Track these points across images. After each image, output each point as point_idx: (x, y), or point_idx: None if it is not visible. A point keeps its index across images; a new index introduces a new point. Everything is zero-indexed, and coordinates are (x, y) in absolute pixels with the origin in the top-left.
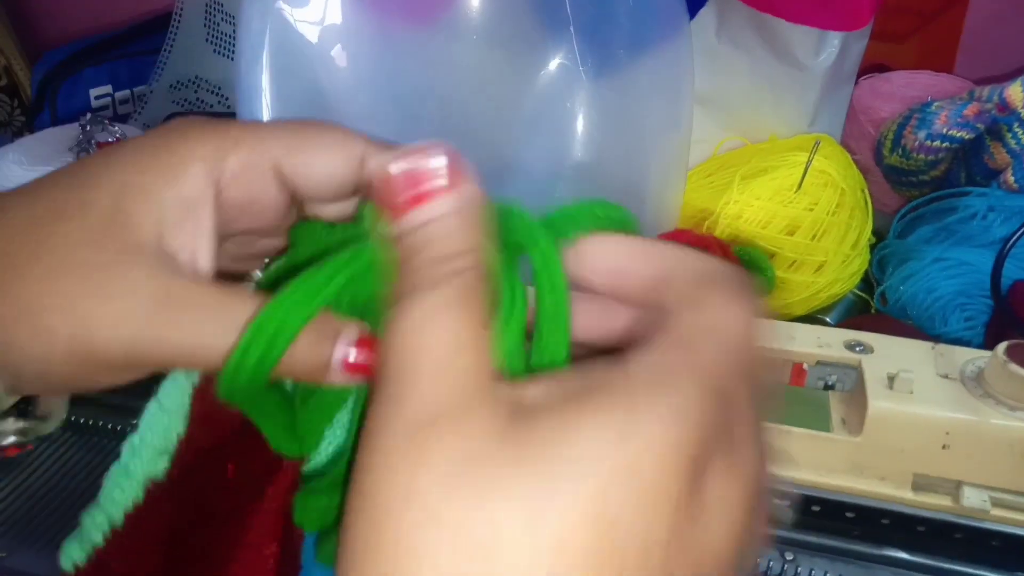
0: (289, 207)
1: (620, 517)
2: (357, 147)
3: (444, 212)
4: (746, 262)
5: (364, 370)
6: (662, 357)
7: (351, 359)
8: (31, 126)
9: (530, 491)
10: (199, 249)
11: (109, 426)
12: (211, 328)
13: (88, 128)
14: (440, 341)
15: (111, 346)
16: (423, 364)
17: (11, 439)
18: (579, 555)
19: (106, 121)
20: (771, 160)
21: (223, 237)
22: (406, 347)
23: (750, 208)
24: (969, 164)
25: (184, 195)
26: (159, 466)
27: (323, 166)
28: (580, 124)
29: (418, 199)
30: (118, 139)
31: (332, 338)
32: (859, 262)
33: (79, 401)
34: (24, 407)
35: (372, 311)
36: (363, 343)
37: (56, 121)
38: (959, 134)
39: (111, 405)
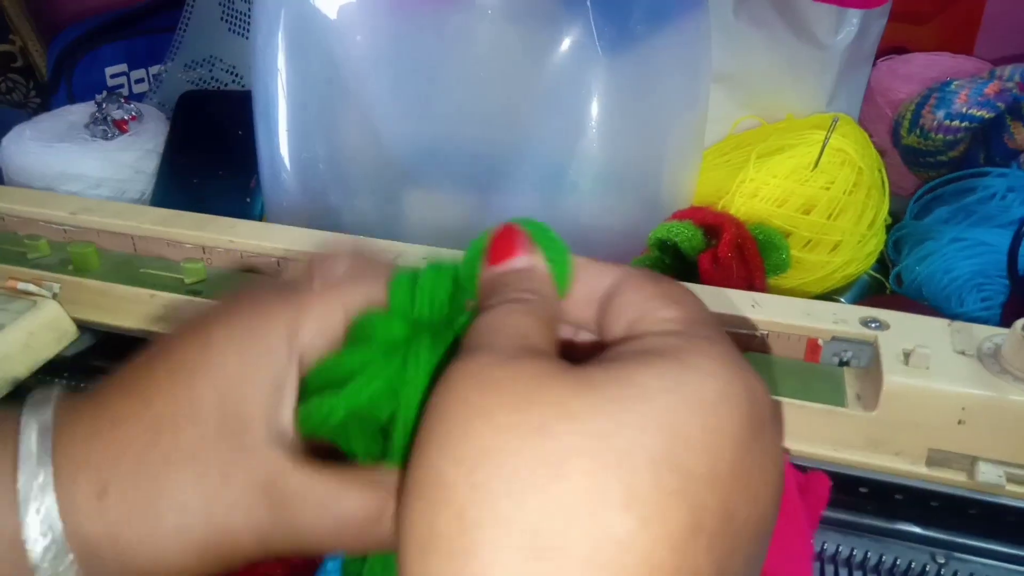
0: None
1: (688, 442)
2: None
3: (524, 266)
4: (762, 241)
5: None
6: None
7: None
8: (47, 106)
9: (595, 412)
10: (286, 419)
11: None
12: (325, 523)
13: (104, 106)
14: (513, 324)
15: (244, 539)
16: (498, 332)
17: None
18: (645, 472)
19: (122, 99)
20: (788, 138)
21: None
22: (487, 325)
23: (766, 186)
24: (988, 144)
25: (276, 376)
26: None
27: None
28: (596, 101)
29: (508, 253)
30: (133, 117)
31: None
32: (875, 242)
33: None
34: None
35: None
36: None
37: (72, 99)
38: (979, 113)
39: None
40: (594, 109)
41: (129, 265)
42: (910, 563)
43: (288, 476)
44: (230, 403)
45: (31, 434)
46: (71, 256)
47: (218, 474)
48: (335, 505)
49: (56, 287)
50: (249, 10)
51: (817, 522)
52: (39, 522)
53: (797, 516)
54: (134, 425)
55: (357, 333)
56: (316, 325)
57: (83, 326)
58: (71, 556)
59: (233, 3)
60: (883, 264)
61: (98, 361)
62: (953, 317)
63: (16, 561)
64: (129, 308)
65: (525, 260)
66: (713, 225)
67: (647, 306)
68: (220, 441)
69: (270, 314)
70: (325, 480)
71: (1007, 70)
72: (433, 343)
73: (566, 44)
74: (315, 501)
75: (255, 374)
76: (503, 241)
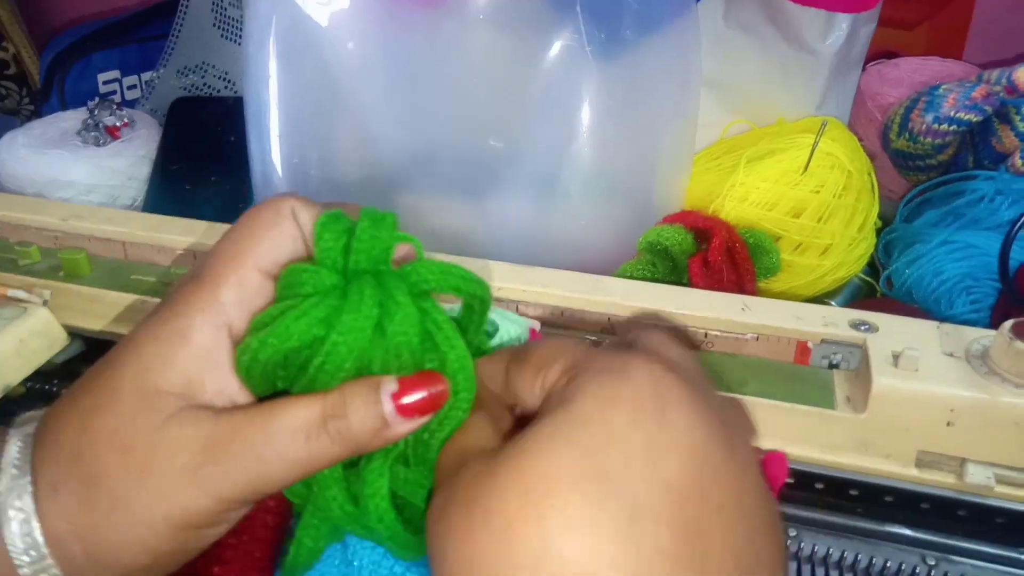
0: None
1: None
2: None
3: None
4: (752, 244)
5: (420, 409)
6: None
7: (405, 402)
8: (39, 113)
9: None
10: (230, 387)
11: None
12: (268, 451)
13: (96, 112)
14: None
15: (201, 503)
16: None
17: None
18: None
19: (114, 105)
20: (778, 143)
21: None
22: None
23: (756, 190)
24: (977, 148)
25: (201, 350)
26: None
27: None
28: (587, 106)
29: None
30: (126, 123)
31: (376, 395)
32: (865, 245)
33: None
34: None
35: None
36: (406, 385)
37: (64, 106)
38: (967, 117)
39: None
40: (585, 115)
41: (120, 271)
42: (900, 565)
43: (217, 424)
44: (147, 385)
45: (13, 447)
46: (62, 262)
47: (143, 448)
48: (268, 426)
49: (47, 294)
50: (241, 16)
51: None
52: (18, 527)
53: None
54: (66, 422)
55: (283, 290)
56: (234, 293)
57: (74, 332)
58: (49, 560)
59: (225, 10)
60: (873, 267)
61: (88, 368)
62: (943, 319)
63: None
64: (120, 314)
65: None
66: (703, 229)
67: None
68: (138, 419)
69: (183, 298)
70: (252, 415)
71: (994, 74)
72: (377, 283)
73: (556, 50)
74: (250, 437)
75: (173, 355)
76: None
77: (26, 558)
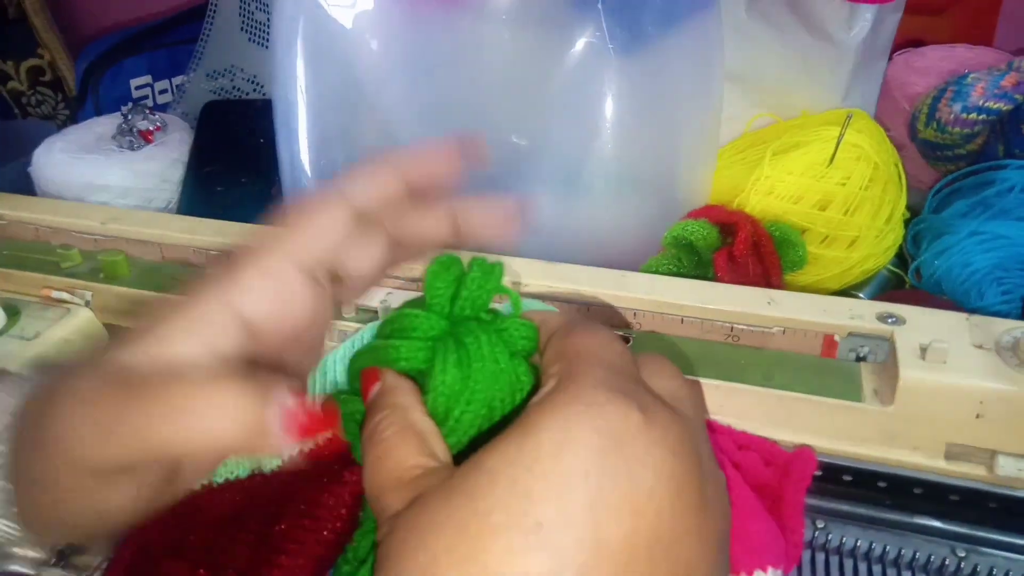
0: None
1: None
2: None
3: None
4: (778, 238)
5: (303, 431)
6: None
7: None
8: (75, 118)
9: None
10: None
11: None
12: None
13: (130, 117)
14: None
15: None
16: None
17: None
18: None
19: (147, 110)
20: (803, 135)
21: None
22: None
23: (782, 183)
24: (1007, 137)
25: (212, 336)
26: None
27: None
28: (609, 102)
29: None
30: (158, 127)
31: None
32: (893, 237)
33: None
34: (66, 554)
35: None
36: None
37: (99, 111)
38: (996, 106)
39: None
40: (608, 110)
41: (157, 272)
42: (930, 556)
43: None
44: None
45: None
46: (102, 264)
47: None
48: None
49: (88, 295)
50: (268, 20)
51: (802, 499)
52: None
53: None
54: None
55: (392, 332)
56: (259, 282)
57: (114, 333)
58: None
59: (252, 14)
60: (902, 259)
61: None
62: (973, 311)
63: None
64: None
65: (377, 386)
66: (728, 223)
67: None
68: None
69: (205, 286)
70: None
71: None
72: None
73: (579, 46)
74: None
75: (189, 339)
76: (365, 373)
77: None
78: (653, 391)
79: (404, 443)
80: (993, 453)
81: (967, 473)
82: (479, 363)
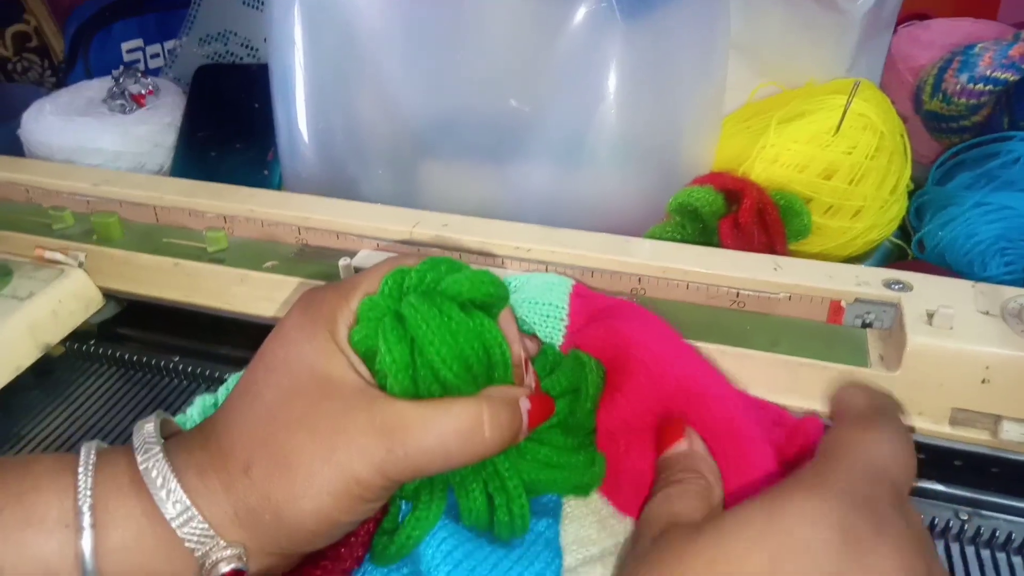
0: None
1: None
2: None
3: (684, 449)
4: (783, 206)
5: (536, 422)
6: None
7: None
8: (62, 84)
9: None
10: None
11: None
12: (432, 444)
13: (121, 80)
14: (665, 511)
15: (376, 481)
16: (649, 521)
17: None
18: None
19: (139, 73)
20: (809, 104)
21: None
22: (647, 511)
23: (787, 152)
24: (1012, 108)
25: (332, 345)
26: None
27: None
28: (613, 68)
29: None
30: (150, 91)
31: (518, 407)
32: (897, 208)
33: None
34: None
35: None
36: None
37: (90, 76)
38: (1003, 76)
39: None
40: (611, 78)
41: (152, 235)
42: (933, 519)
43: (386, 412)
44: (319, 372)
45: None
46: (94, 226)
47: (328, 428)
48: (436, 423)
49: (82, 256)
50: None
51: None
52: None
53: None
54: (254, 413)
55: (361, 315)
56: (355, 303)
57: (108, 294)
58: (222, 539)
59: None
60: (905, 230)
61: (123, 329)
62: (976, 282)
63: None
64: (153, 277)
65: (684, 444)
66: (734, 190)
67: None
68: (321, 405)
69: (321, 302)
70: (420, 409)
71: None
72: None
73: (582, 12)
74: (418, 424)
75: (324, 347)
76: (670, 429)
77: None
78: (911, 512)
79: (697, 502)
80: (998, 418)
81: (972, 438)
82: (424, 326)
